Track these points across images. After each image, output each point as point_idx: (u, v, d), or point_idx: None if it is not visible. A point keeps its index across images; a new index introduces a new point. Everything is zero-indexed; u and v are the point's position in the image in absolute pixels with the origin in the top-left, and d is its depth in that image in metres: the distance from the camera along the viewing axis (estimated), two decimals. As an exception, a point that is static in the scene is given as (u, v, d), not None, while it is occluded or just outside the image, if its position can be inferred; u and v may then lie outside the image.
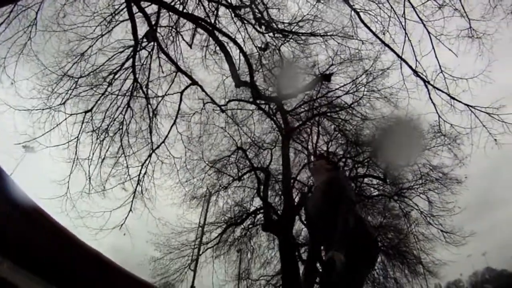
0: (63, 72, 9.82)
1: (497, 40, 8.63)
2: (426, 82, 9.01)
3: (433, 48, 8.70)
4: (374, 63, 12.42)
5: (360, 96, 13.27)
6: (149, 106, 11.05)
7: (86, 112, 10.19)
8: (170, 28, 10.67)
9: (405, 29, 8.96)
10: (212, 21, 10.15)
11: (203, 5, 10.05)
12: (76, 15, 9.68)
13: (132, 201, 10.91)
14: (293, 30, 9.98)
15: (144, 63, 11.00)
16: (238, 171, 14.82)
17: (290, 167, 13.94)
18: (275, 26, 8.43)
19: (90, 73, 10.28)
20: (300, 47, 11.51)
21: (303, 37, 10.63)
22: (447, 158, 13.76)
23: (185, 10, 10.21)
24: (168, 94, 11.20)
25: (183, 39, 10.67)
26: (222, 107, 12.41)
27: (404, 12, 8.86)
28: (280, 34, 9.91)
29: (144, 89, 10.94)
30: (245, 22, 9.89)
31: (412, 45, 8.95)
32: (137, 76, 10.71)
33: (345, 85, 13.41)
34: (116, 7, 9.84)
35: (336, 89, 13.56)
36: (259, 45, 10.49)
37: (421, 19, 8.77)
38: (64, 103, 9.90)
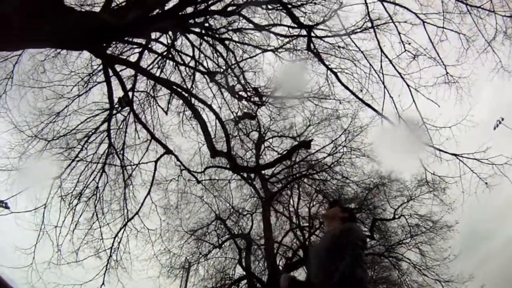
0: (34, 133, 9.39)
1: (474, 82, 8.78)
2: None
3: (413, 101, 8.69)
4: (352, 121, 12.57)
5: (339, 157, 13.26)
6: (125, 172, 10.60)
7: (55, 178, 9.66)
8: (147, 93, 10.63)
9: (384, 84, 8.98)
10: (189, 86, 10.19)
11: (179, 70, 10.15)
12: (54, 72, 9.53)
13: (104, 274, 10.12)
14: (269, 93, 10.08)
15: (121, 126, 10.77)
16: (218, 238, 14.25)
17: (273, 231, 13.44)
18: (249, 93, 8.48)
19: (65, 135, 9.93)
20: (276, 109, 11.65)
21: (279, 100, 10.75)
22: (435, 206, 13.66)
23: (162, 74, 10.30)
24: (142, 162, 10.81)
25: (159, 105, 10.58)
26: (199, 176, 12.09)
27: (381, 67, 8.94)
28: (256, 101, 9.96)
29: (120, 155, 10.55)
30: (221, 87, 9.92)
31: (393, 101, 8.89)
32: (112, 140, 10.40)
33: (324, 147, 13.43)
34: (95, 67, 9.74)
35: (315, 151, 13.51)
36: (234, 117, 10.50)
37: (399, 73, 8.85)
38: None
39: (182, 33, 9.57)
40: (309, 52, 9.39)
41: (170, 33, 9.58)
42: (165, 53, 9.78)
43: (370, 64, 9.21)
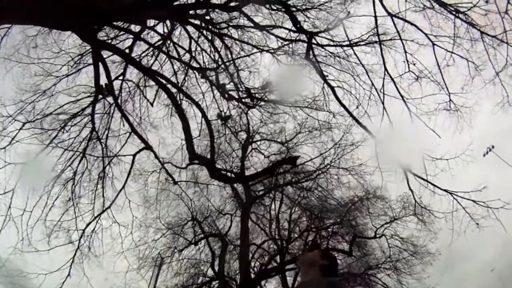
0: (9, 114, 8.87)
1: (477, 112, 8.61)
2: (405, 171, 8.58)
3: (413, 126, 8.50)
4: (344, 135, 12.31)
5: (324, 170, 13.07)
6: (104, 161, 10.09)
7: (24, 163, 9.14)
8: (136, 84, 10.16)
9: (383, 105, 8.64)
10: (181, 79, 9.81)
11: (172, 63, 9.74)
12: (44, 49, 9.18)
13: (70, 265, 9.73)
14: (261, 96, 9.75)
15: (107, 111, 10.32)
16: (194, 235, 13.96)
17: (251, 233, 13.29)
18: (241, 94, 8.10)
19: (46, 116, 9.50)
20: (267, 113, 11.32)
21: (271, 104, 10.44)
22: (418, 231, 13.51)
23: (156, 63, 9.87)
24: (120, 155, 10.24)
25: (145, 97, 10.14)
26: (178, 175, 11.88)
27: (383, 85, 8.61)
28: (247, 103, 9.63)
29: (103, 142, 10.04)
30: (213, 85, 9.55)
31: (391, 124, 8.59)
32: (96, 125, 9.93)
33: (312, 159, 13.18)
34: (87, 48, 9.21)
35: (303, 163, 13.18)
36: (220, 114, 10.14)
37: (401, 96, 8.52)
38: (5, 148, 8.84)
39: (181, 23, 9.16)
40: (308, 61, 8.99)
41: (167, 22, 9.19)
42: (159, 43, 9.36)
43: (371, 81, 8.85)
